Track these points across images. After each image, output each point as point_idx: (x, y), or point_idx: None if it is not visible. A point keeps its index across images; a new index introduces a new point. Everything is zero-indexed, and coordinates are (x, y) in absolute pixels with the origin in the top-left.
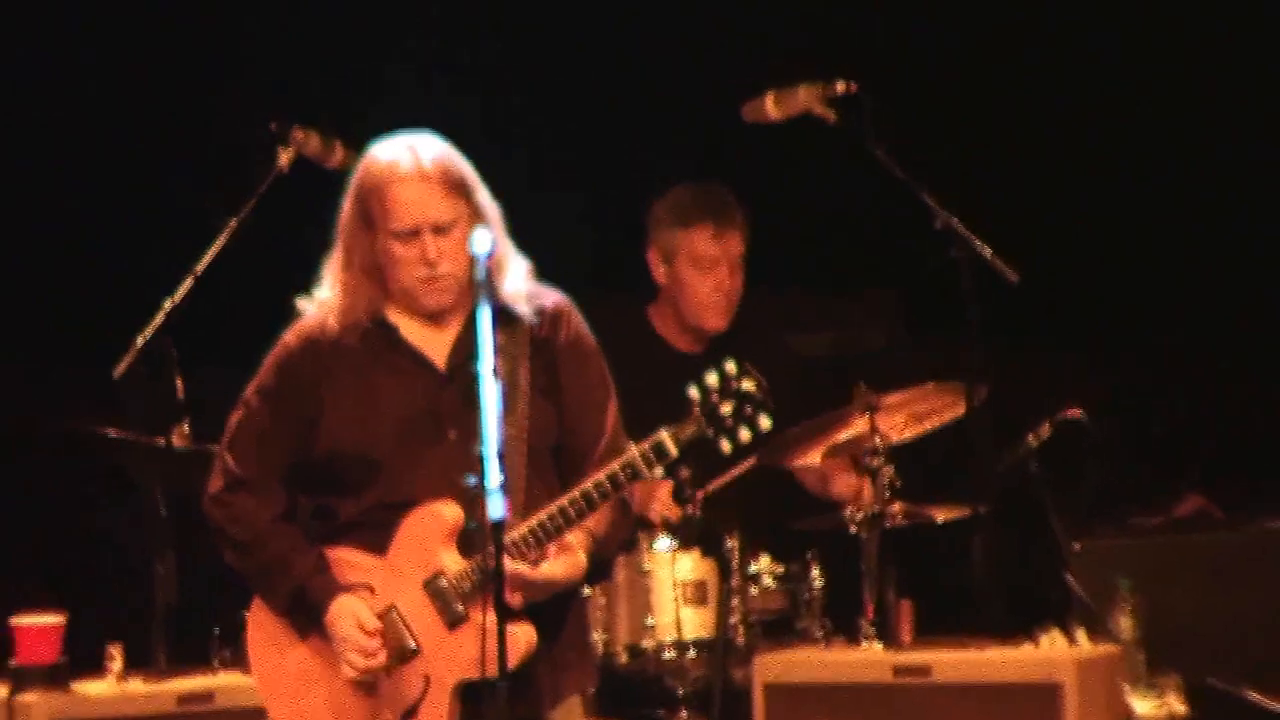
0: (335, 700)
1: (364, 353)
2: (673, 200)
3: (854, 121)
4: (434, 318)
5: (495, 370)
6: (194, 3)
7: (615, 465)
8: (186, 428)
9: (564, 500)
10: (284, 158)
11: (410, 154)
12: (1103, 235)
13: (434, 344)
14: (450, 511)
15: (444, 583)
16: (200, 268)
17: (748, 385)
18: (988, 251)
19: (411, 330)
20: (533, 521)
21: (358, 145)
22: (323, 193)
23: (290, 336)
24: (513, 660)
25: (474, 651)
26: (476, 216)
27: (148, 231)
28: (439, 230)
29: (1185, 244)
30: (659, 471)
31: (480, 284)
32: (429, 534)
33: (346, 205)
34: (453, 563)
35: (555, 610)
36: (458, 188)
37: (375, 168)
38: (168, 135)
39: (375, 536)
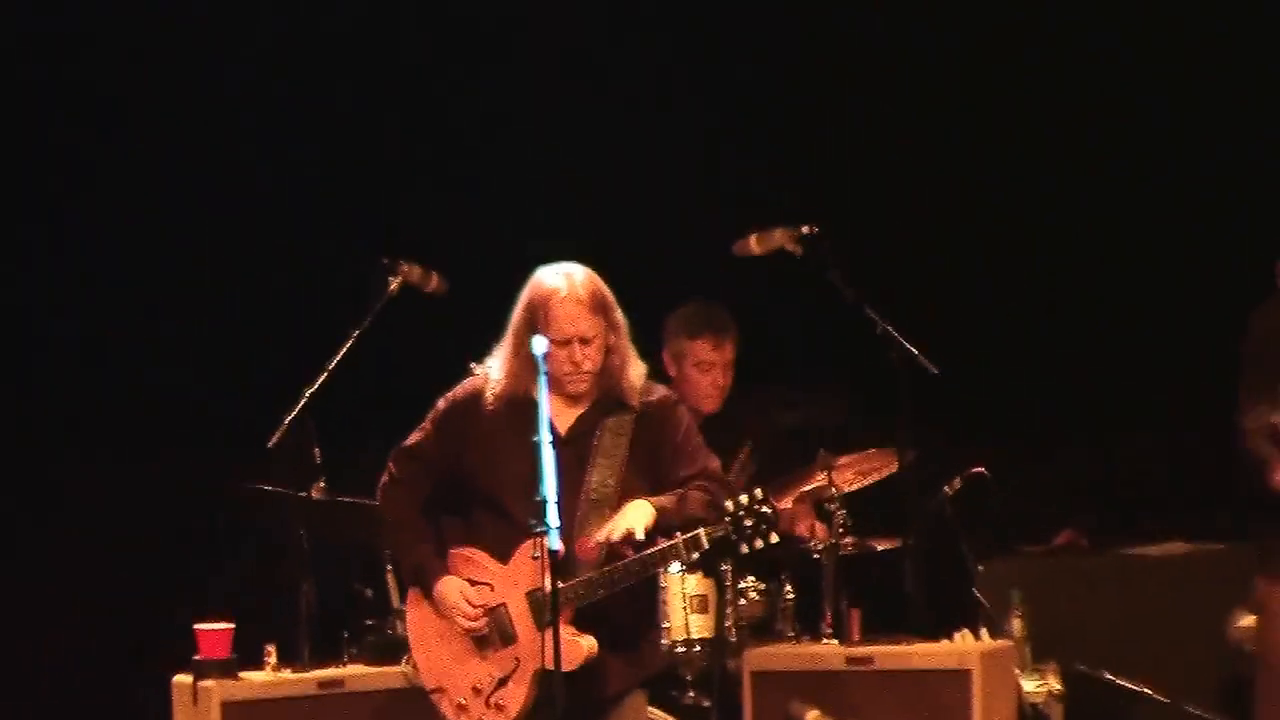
0: (456, 654)
1: (508, 418)
2: (682, 315)
3: (816, 255)
4: (570, 399)
5: (601, 441)
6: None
7: (662, 546)
8: (323, 484)
9: (624, 562)
10: (394, 284)
11: (568, 281)
12: (995, 340)
13: (563, 417)
14: (553, 544)
15: (540, 596)
16: (331, 365)
17: (766, 509)
18: (914, 351)
19: (550, 405)
20: (599, 572)
21: (450, 275)
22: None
23: (461, 390)
24: (575, 663)
25: (551, 649)
26: (612, 329)
27: (294, 337)
28: (584, 341)
29: (1057, 345)
30: (695, 556)
31: (542, 373)
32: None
33: (518, 312)
34: (549, 583)
35: (632, 611)
36: (600, 309)
37: (542, 288)
38: (312, 264)
39: (499, 549)
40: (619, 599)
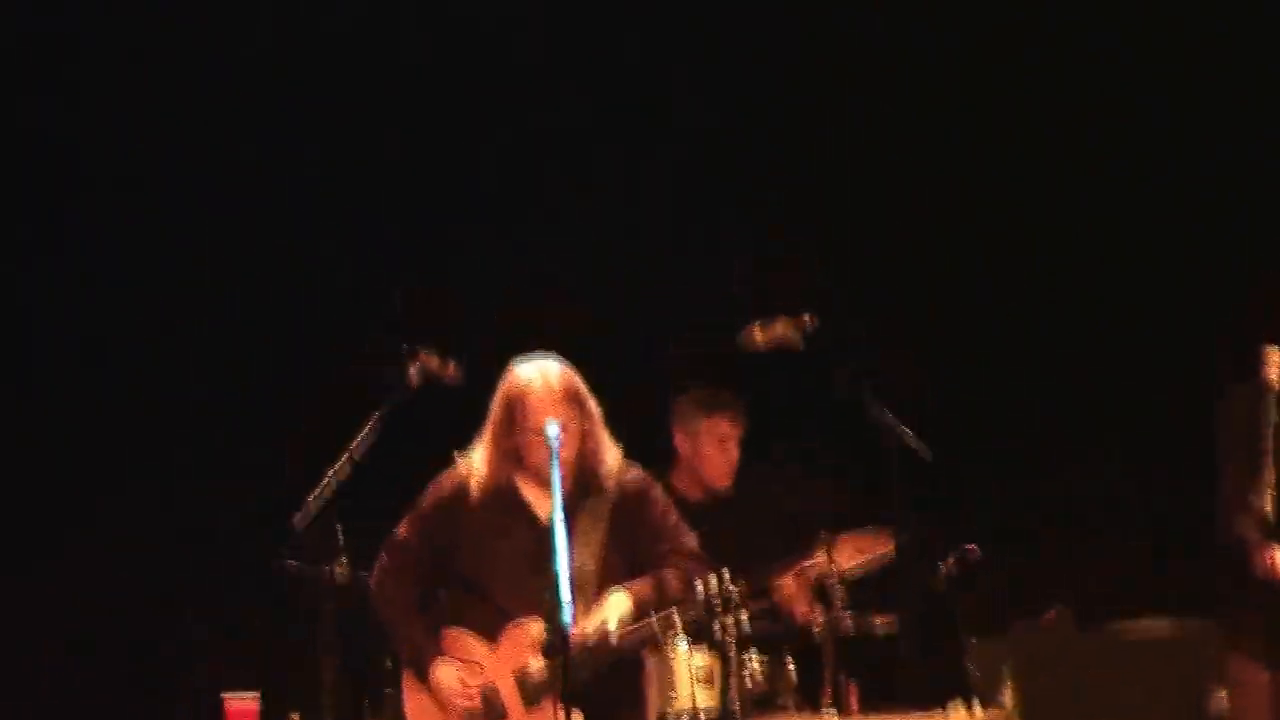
0: None
1: (492, 508)
2: (698, 396)
3: (816, 346)
4: (549, 484)
5: (579, 524)
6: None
7: (638, 627)
8: (345, 561)
9: (604, 644)
10: (413, 372)
11: (542, 375)
12: (987, 424)
13: (544, 505)
14: (536, 628)
15: (527, 678)
16: (354, 450)
17: (735, 590)
18: (911, 438)
19: (530, 493)
20: (580, 655)
21: (466, 363)
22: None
23: (445, 483)
24: None
25: None
26: (586, 418)
27: (321, 420)
28: (560, 430)
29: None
30: (671, 634)
31: (554, 454)
32: (521, 641)
33: (495, 407)
34: (535, 664)
35: (618, 687)
36: (573, 400)
37: (517, 383)
38: (338, 350)
39: (488, 630)
40: (602, 678)
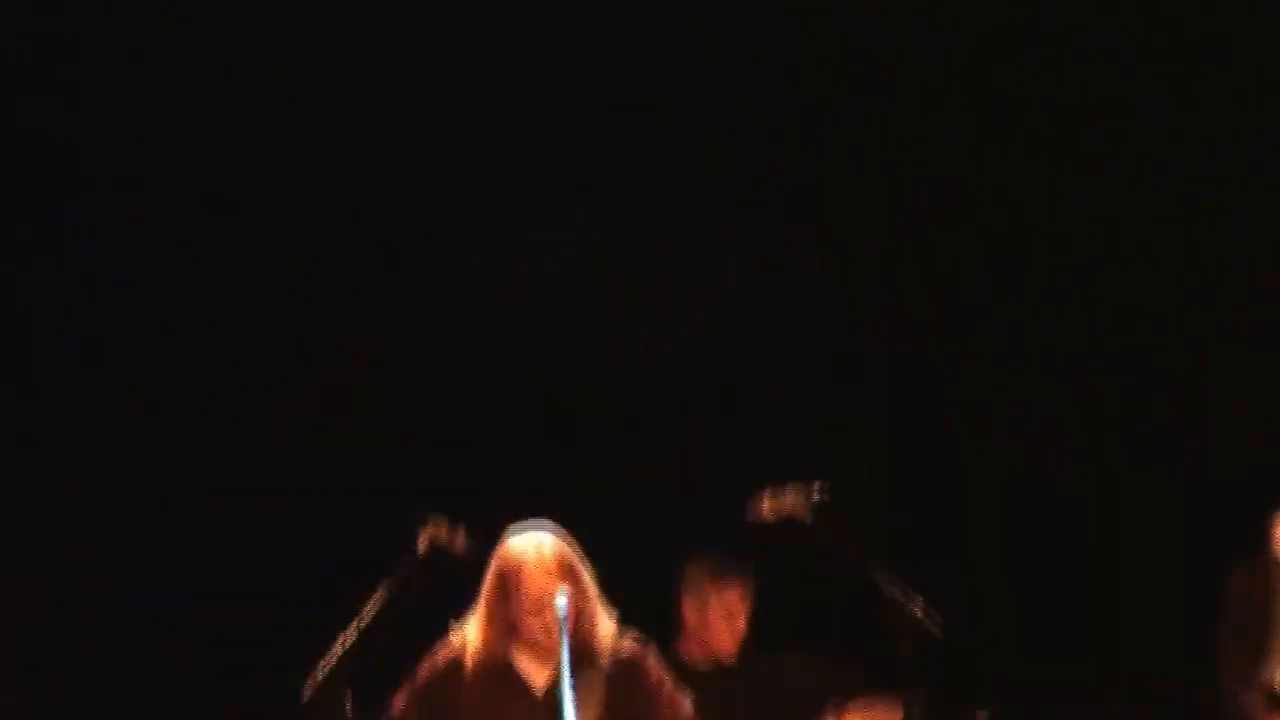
0: None
1: (487, 683)
2: (706, 566)
3: (825, 522)
4: (546, 658)
5: (575, 697)
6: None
7: None
8: None
9: None
10: (422, 545)
11: (535, 548)
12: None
13: (539, 677)
14: None
15: None
16: (364, 621)
17: None
18: (920, 616)
19: (526, 666)
20: None
21: (476, 532)
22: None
23: (440, 662)
24: None
25: None
26: (580, 593)
27: (332, 600)
28: (554, 604)
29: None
30: None
31: (561, 630)
32: None
33: (490, 580)
34: None
35: None
36: (568, 574)
37: (511, 558)
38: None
39: None
40: None
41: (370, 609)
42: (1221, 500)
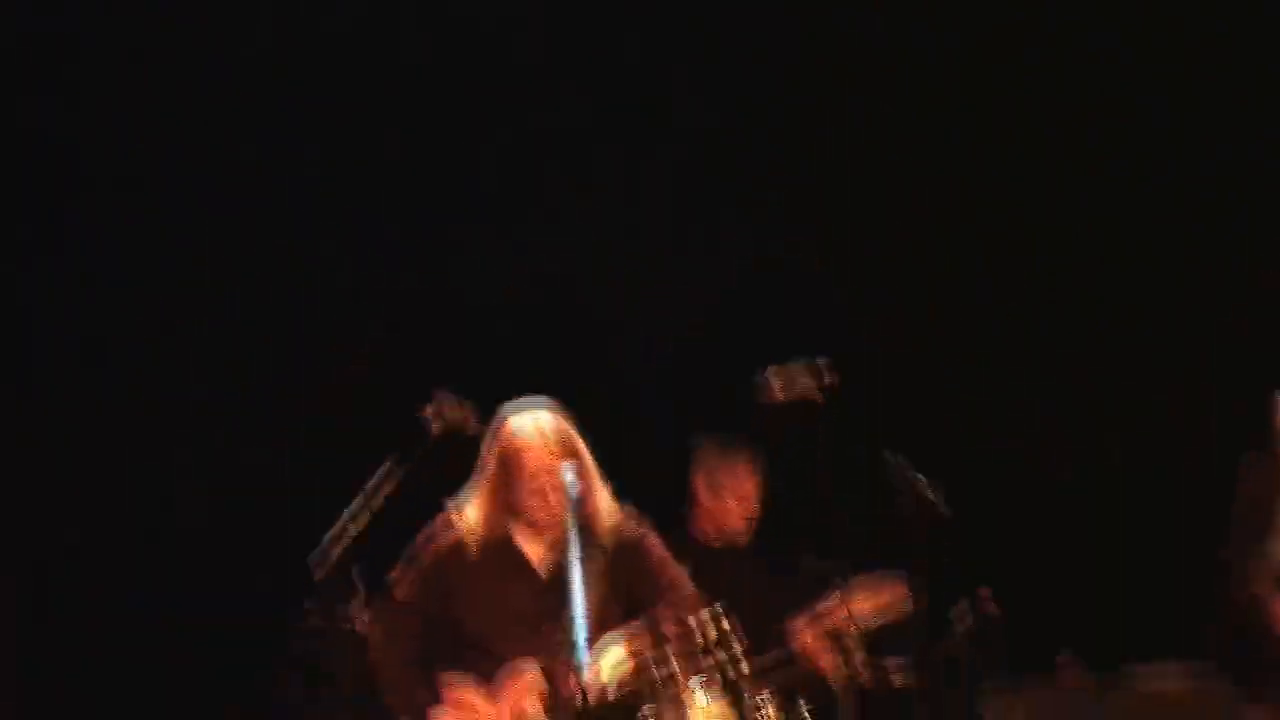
0: None
1: (490, 562)
2: (721, 448)
3: (836, 403)
4: (547, 538)
5: (575, 569)
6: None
7: (640, 674)
8: (366, 618)
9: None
10: (435, 426)
11: (536, 428)
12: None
13: (543, 559)
14: (532, 672)
15: None
16: (375, 502)
17: (726, 624)
18: (929, 494)
19: (527, 546)
20: (581, 708)
21: (485, 407)
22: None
23: (440, 540)
24: None
25: None
26: (580, 466)
27: (339, 475)
28: (555, 486)
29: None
30: (666, 674)
31: (571, 502)
32: (523, 693)
33: (491, 460)
34: (532, 708)
35: None
36: (569, 454)
37: (514, 439)
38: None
39: (489, 682)
40: None
41: (378, 484)
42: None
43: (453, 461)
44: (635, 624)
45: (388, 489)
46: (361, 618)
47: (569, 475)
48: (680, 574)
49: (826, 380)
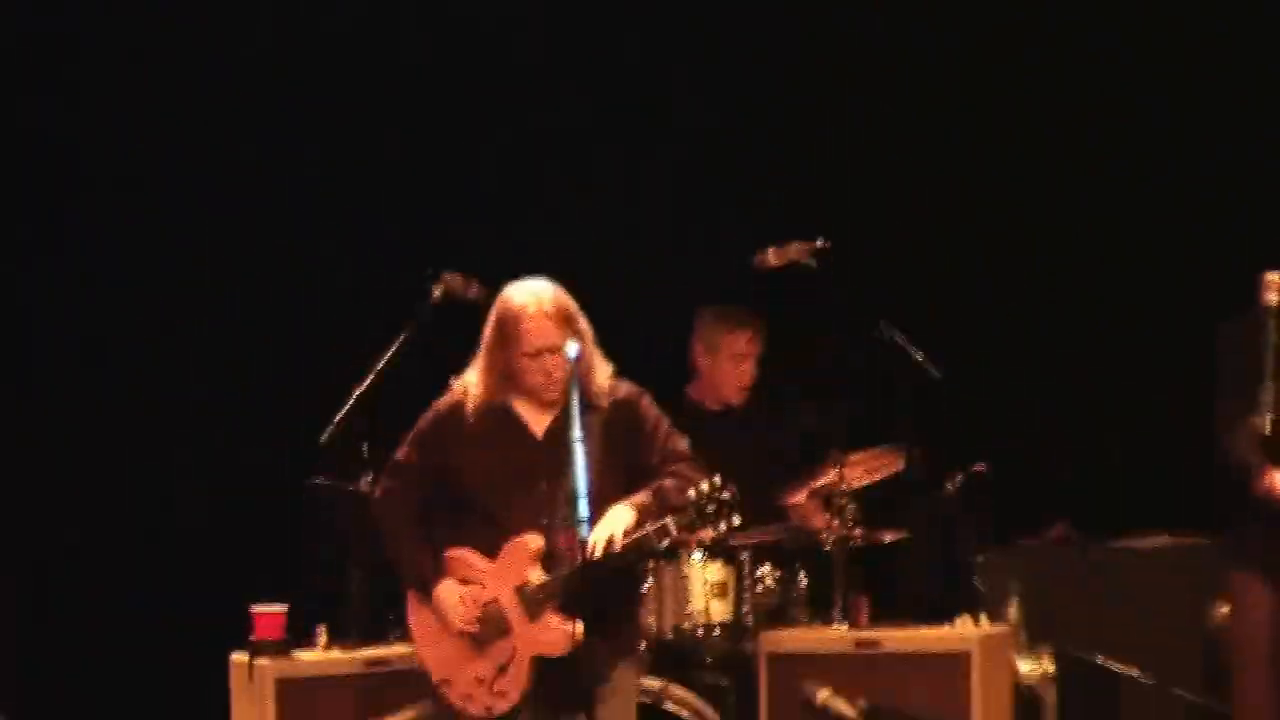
0: (458, 648)
1: (488, 426)
2: (719, 311)
3: (828, 268)
4: (545, 406)
5: (577, 438)
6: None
7: (635, 538)
8: (370, 478)
9: (603, 555)
10: (436, 292)
11: (535, 298)
12: (992, 341)
13: (539, 422)
14: (535, 541)
15: (528, 590)
16: (379, 367)
17: (726, 494)
18: (920, 357)
19: (525, 411)
20: (581, 566)
21: (487, 283)
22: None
23: (442, 406)
24: (564, 648)
25: (544, 638)
26: (577, 337)
27: (347, 342)
28: (553, 352)
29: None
30: (665, 543)
31: (573, 375)
32: (522, 555)
33: (489, 330)
34: (535, 576)
35: (614, 596)
36: (566, 321)
37: (511, 306)
38: (365, 274)
39: (488, 547)
40: (600, 590)
41: (386, 356)
42: None
43: (457, 335)
44: (642, 492)
45: (392, 356)
46: (367, 481)
47: (571, 346)
48: (675, 434)
49: (819, 246)
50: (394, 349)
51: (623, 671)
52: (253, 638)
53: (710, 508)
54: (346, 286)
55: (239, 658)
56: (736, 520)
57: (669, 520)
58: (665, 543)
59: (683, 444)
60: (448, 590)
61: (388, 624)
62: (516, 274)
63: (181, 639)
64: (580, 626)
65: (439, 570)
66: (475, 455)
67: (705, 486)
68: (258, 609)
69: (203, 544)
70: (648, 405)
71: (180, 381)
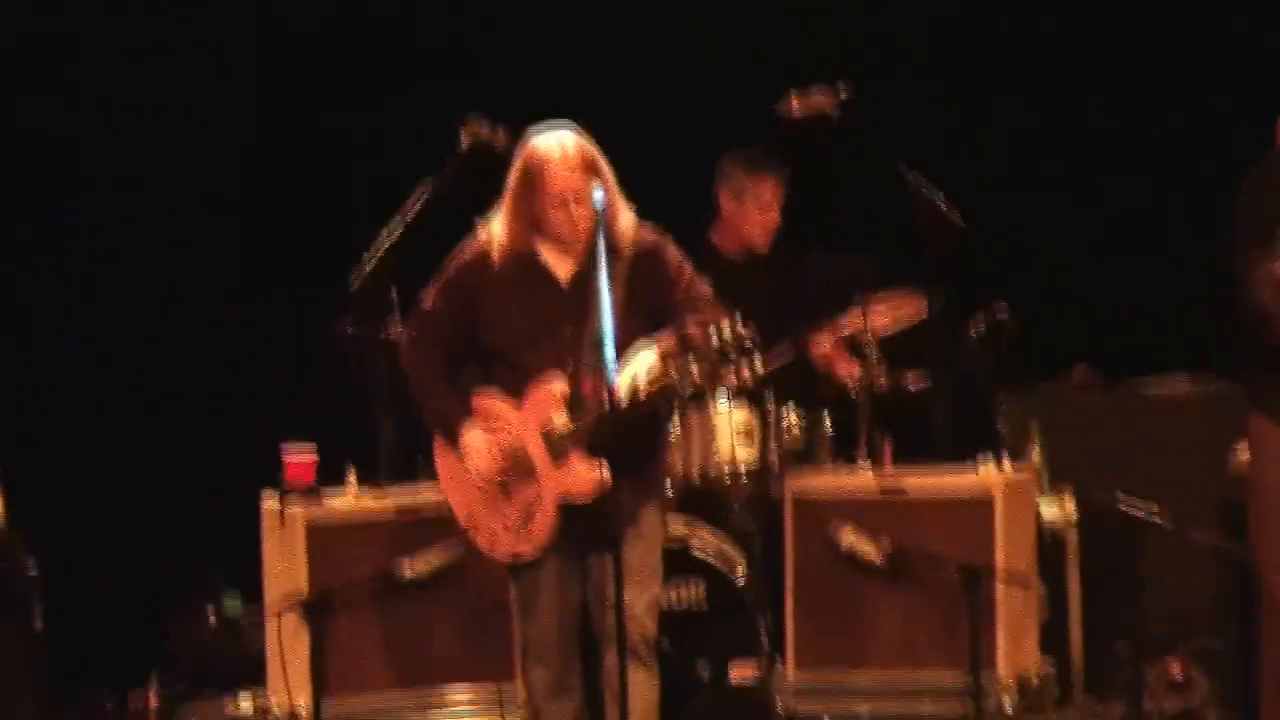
0: (484, 495)
1: (513, 273)
2: (743, 156)
3: (851, 117)
4: (570, 252)
5: (603, 284)
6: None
7: (662, 381)
8: (399, 323)
9: (627, 399)
10: (465, 140)
11: (559, 145)
12: (1013, 188)
13: (563, 268)
14: (559, 386)
15: (553, 434)
16: (409, 214)
17: (747, 338)
18: (943, 206)
19: (550, 258)
20: (605, 411)
21: (514, 129)
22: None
23: (466, 253)
24: (589, 492)
25: (569, 482)
26: (602, 182)
27: (379, 190)
28: (578, 200)
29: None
30: (689, 388)
31: (599, 220)
32: (546, 399)
33: (513, 177)
34: (560, 420)
35: (639, 439)
36: (590, 168)
37: (536, 154)
38: (393, 122)
39: (514, 393)
40: (625, 432)
41: (413, 203)
42: None
43: (484, 183)
44: (665, 334)
45: (421, 203)
46: (395, 328)
47: (597, 192)
48: (698, 277)
49: (842, 96)
50: (422, 196)
51: (649, 514)
52: (284, 483)
53: (732, 351)
54: (375, 134)
55: (270, 502)
56: (758, 364)
57: (692, 363)
58: (689, 386)
59: (706, 288)
60: (472, 435)
61: (417, 468)
62: (541, 118)
63: (213, 484)
64: (606, 470)
65: (466, 414)
66: (500, 302)
67: (727, 331)
68: (289, 454)
69: (234, 390)
70: (671, 249)
71: (213, 228)
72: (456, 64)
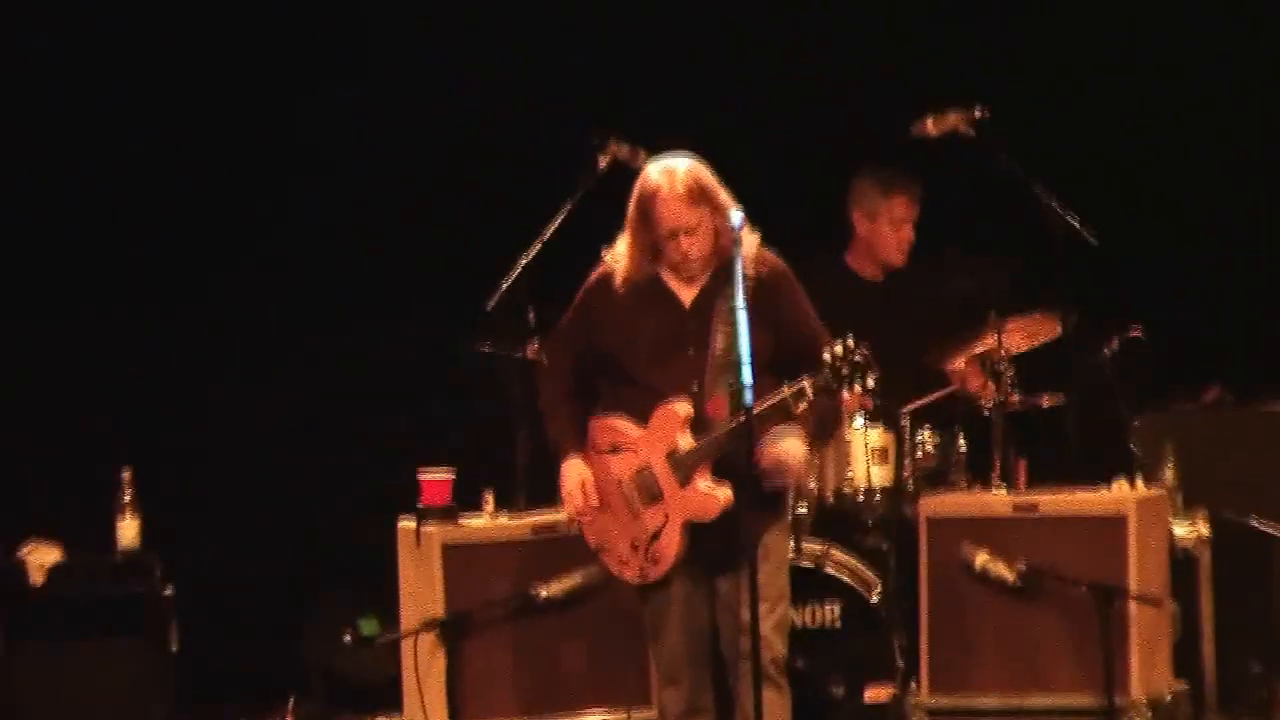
0: (612, 516)
1: (637, 296)
2: (876, 175)
3: (986, 135)
4: (690, 278)
5: (720, 311)
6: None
7: (774, 401)
8: (536, 344)
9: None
10: (603, 161)
11: (669, 178)
12: (1150, 209)
13: (686, 292)
14: (684, 407)
15: (678, 455)
16: (546, 234)
17: (859, 356)
18: (1077, 223)
19: (672, 281)
20: (728, 430)
21: (654, 150)
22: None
23: (594, 278)
24: (715, 512)
25: (695, 503)
26: (716, 213)
27: (516, 211)
28: (688, 232)
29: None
30: (803, 406)
31: (736, 246)
32: (671, 421)
33: (632, 207)
34: (685, 442)
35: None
36: (701, 199)
37: (648, 186)
38: (532, 143)
39: (640, 415)
40: (746, 453)
41: (552, 224)
42: None
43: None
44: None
45: (559, 224)
46: (532, 347)
47: (736, 215)
48: (814, 315)
49: (978, 115)
50: (560, 216)
51: (774, 535)
52: (420, 503)
53: (845, 369)
54: (516, 154)
55: (407, 524)
56: (871, 382)
57: (805, 382)
58: (802, 404)
59: (820, 325)
60: (571, 469)
61: (555, 489)
62: (679, 139)
63: (350, 505)
64: (730, 491)
65: (574, 444)
66: (625, 325)
67: (839, 349)
68: (426, 475)
69: (372, 411)
70: (792, 281)
71: (354, 250)
72: (598, 85)
